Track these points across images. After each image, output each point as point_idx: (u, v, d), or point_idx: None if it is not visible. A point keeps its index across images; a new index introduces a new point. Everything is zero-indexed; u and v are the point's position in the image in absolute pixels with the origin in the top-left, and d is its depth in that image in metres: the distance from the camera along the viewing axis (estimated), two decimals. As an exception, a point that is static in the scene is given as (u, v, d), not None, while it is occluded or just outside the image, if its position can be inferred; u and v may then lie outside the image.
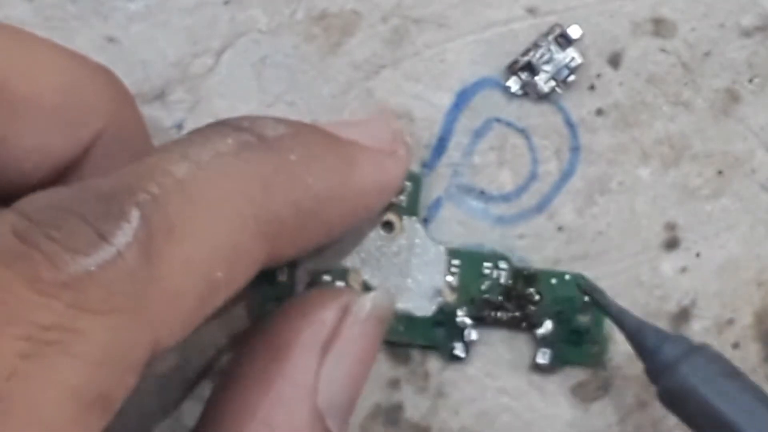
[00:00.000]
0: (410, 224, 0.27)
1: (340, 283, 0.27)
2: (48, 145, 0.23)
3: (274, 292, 0.27)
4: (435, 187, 0.28)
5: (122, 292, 0.18)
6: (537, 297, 0.27)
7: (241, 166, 0.21)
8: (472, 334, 0.27)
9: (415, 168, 0.28)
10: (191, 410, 0.27)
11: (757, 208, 0.28)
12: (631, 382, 0.28)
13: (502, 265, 0.27)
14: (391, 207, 0.27)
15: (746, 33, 0.28)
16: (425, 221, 0.28)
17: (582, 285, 0.27)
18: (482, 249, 0.28)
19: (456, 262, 0.27)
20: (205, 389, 0.27)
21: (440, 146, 0.28)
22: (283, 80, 0.28)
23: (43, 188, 0.23)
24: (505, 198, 0.28)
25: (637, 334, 0.25)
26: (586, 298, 0.27)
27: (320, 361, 0.23)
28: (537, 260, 0.28)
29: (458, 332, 0.27)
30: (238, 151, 0.21)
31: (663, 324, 0.28)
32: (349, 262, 0.27)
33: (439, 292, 0.27)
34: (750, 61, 0.28)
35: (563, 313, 0.27)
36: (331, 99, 0.28)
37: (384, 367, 0.28)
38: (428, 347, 0.27)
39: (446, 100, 0.28)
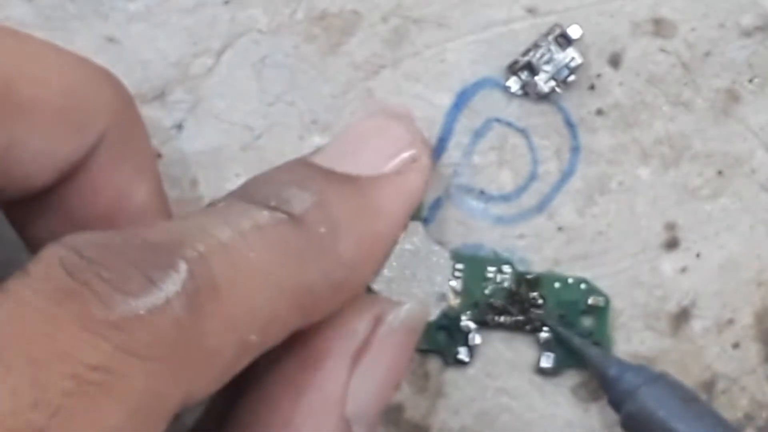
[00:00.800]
0: (414, 228, 0.27)
1: None
2: (52, 147, 0.23)
3: None
4: (435, 187, 0.28)
5: (167, 340, 0.18)
6: (540, 301, 0.27)
7: (278, 239, 0.21)
8: (476, 339, 0.27)
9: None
10: (191, 410, 0.27)
11: (757, 208, 0.28)
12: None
13: (506, 269, 0.27)
14: None
15: (746, 33, 0.28)
16: (425, 221, 0.28)
17: (548, 322, 0.27)
18: (486, 253, 0.28)
19: (460, 266, 0.27)
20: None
21: (440, 146, 0.28)
22: (283, 80, 0.28)
23: (48, 191, 0.23)
24: (505, 198, 0.28)
25: (600, 365, 0.26)
26: (589, 303, 0.27)
27: (350, 372, 0.23)
28: (537, 260, 0.28)
29: (462, 336, 0.27)
30: (275, 225, 0.21)
31: (663, 324, 0.28)
32: None
33: (443, 297, 0.27)
34: (750, 61, 0.28)
35: (566, 317, 0.27)
36: (331, 99, 0.28)
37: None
38: (432, 351, 0.27)
39: (446, 100, 0.28)
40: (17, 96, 0.22)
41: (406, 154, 0.25)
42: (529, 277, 0.27)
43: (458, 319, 0.27)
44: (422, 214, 0.27)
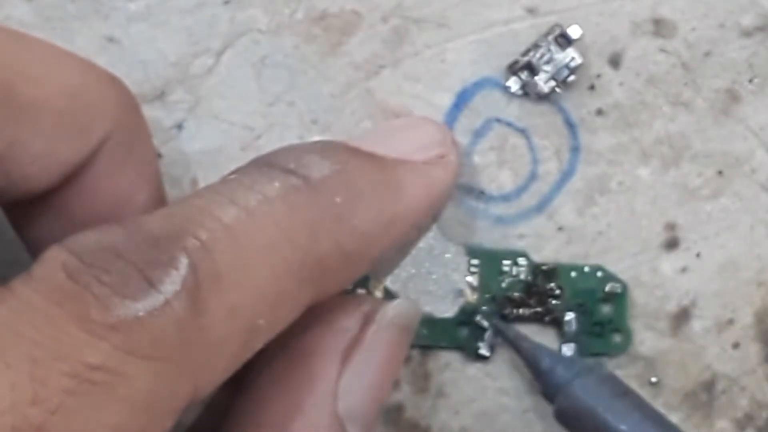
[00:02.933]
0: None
1: (361, 291, 0.27)
2: (55, 150, 0.23)
3: None
4: (435, 187, 0.28)
5: (168, 339, 0.18)
6: (558, 291, 0.27)
7: (288, 212, 0.21)
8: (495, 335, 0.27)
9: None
10: (191, 410, 0.27)
11: (757, 208, 0.28)
12: (630, 382, 0.28)
13: (521, 261, 0.27)
14: None
15: (746, 33, 0.28)
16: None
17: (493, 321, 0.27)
18: (500, 246, 0.28)
19: (475, 261, 0.27)
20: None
21: (440, 146, 0.28)
22: (283, 80, 0.28)
23: (50, 193, 0.23)
24: (505, 198, 0.28)
25: (533, 357, 0.26)
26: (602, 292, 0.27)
27: (341, 370, 0.23)
28: (537, 260, 0.28)
29: (482, 331, 0.27)
30: (285, 195, 0.21)
31: (663, 324, 0.28)
32: (371, 270, 0.27)
33: (460, 293, 0.27)
34: (750, 61, 0.28)
35: (585, 305, 0.27)
36: (331, 99, 0.28)
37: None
38: (453, 348, 0.27)
39: (446, 100, 0.28)
40: (19, 97, 0.22)
41: (435, 149, 0.25)
42: (545, 268, 0.27)
43: (477, 315, 0.27)
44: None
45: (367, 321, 0.24)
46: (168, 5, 0.28)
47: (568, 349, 0.27)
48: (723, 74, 0.28)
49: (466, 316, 0.27)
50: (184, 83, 0.28)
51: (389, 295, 0.27)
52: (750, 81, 0.28)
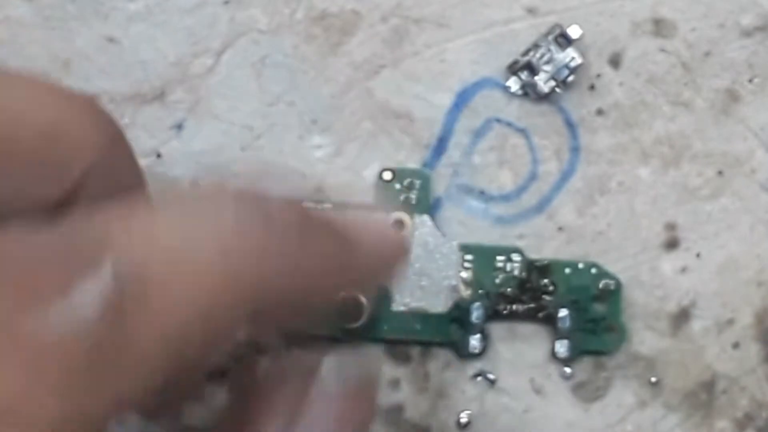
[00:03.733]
0: (421, 222, 0.27)
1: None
2: (29, 189, 0.21)
3: None
4: (435, 187, 0.28)
5: (83, 361, 0.17)
6: (552, 287, 0.27)
7: (236, 238, 0.19)
8: (488, 330, 0.27)
9: (419, 166, 0.28)
10: (191, 410, 0.27)
11: (757, 208, 0.28)
12: (630, 382, 0.28)
13: (516, 257, 0.27)
14: (401, 205, 0.27)
15: (746, 33, 0.28)
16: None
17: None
18: (494, 242, 0.28)
19: (469, 257, 0.27)
20: (205, 389, 0.27)
21: (440, 146, 0.28)
22: (283, 80, 0.28)
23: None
24: (505, 198, 0.28)
25: None
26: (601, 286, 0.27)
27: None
28: (531, 257, 0.28)
29: (474, 328, 0.27)
30: (236, 222, 0.20)
31: (663, 324, 0.28)
32: None
33: (454, 289, 0.27)
34: (750, 61, 0.28)
35: (579, 302, 0.27)
36: (331, 99, 0.28)
37: (384, 367, 0.28)
38: (444, 345, 0.27)
39: (446, 100, 0.28)
40: None
41: (388, 233, 0.24)
42: (538, 264, 0.27)
43: (469, 311, 0.27)
44: (427, 205, 0.27)
45: (310, 383, 0.23)
46: (168, 5, 0.28)
47: (561, 346, 0.27)
48: (723, 74, 0.28)
49: (458, 311, 0.27)
50: (184, 83, 0.28)
51: (381, 290, 0.27)
52: (750, 81, 0.28)
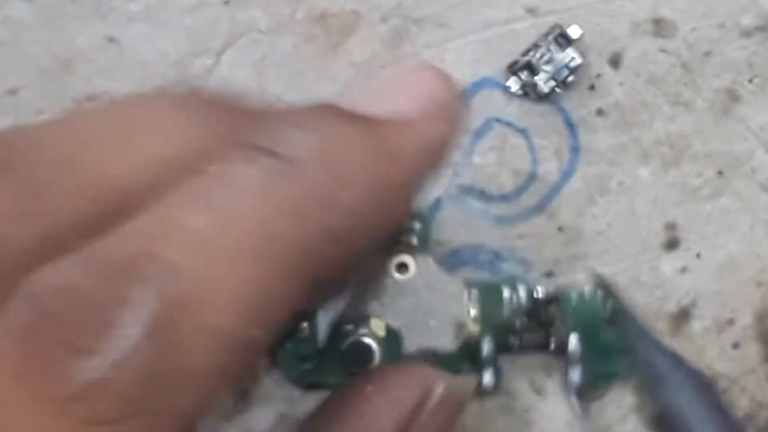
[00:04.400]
0: (425, 262, 0.27)
1: (363, 330, 0.27)
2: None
3: (298, 349, 0.26)
4: (435, 187, 0.28)
5: (139, 393, 0.16)
6: (557, 323, 0.27)
7: (267, 202, 0.19)
8: (499, 363, 0.27)
9: (423, 206, 0.28)
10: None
11: (757, 208, 0.28)
12: (631, 382, 0.28)
13: (521, 288, 0.27)
14: (403, 248, 0.27)
15: (746, 33, 0.28)
16: (427, 219, 0.28)
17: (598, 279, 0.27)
18: (498, 275, 0.28)
19: (475, 292, 0.27)
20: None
21: (440, 146, 0.28)
22: (283, 80, 0.28)
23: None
24: (505, 198, 0.28)
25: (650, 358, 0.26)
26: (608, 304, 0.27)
27: None
28: (537, 260, 0.28)
29: (485, 364, 0.27)
30: (264, 184, 0.19)
31: (663, 324, 0.28)
32: (369, 308, 0.26)
33: (462, 326, 0.27)
34: (750, 61, 0.28)
35: (588, 329, 0.27)
36: (331, 99, 0.28)
37: (384, 367, 0.28)
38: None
39: (446, 100, 0.28)
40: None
41: (433, 99, 0.22)
42: (544, 297, 0.27)
43: (480, 347, 0.27)
44: (429, 246, 0.27)
45: (425, 395, 0.23)
46: (168, 5, 0.28)
47: (573, 372, 0.27)
48: (723, 74, 0.28)
49: (468, 348, 0.27)
50: (184, 83, 0.28)
51: (390, 333, 0.27)
52: (750, 81, 0.28)
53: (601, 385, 0.27)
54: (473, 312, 0.27)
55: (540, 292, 0.27)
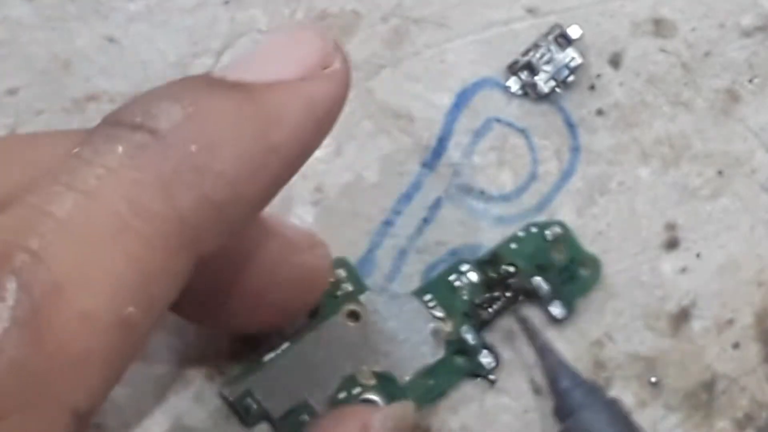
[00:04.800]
0: (370, 300, 0.27)
1: (356, 390, 0.27)
2: None
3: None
4: (435, 187, 0.28)
5: (15, 388, 0.16)
6: (512, 268, 0.27)
7: (135, 178, 0.18)
8: (488, 339, 0.27)
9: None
10: (191, 410, 0.27)
11: (757, 208, 0.28)
12: (630, 382, 0.28)
13: (464, 267, 0.27)
14: (343, 300, 0.27)
15: (746, 33, 0.28)
16: (425, 221, 0.28)
17: (518, 317, 0.27)
18: (439, 268, 0.28)
19: (428, 297, 0.27)
20: (205, 389, 0.27)
21: (440, 146, 0.28)
22: (283, 80, 0.28)
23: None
24: (505, 198, 0.28)
25: (554, 373, 0.27)
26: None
27: None
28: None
29: (477, 349, 0.27)
30: (130, 159, 0.18)
31: (663, 324, 0.28)
32: (349, 369, 0.27)
33: (437, 331, 0.27)
34: (750, 61, 0.28)
35: (543, 265, 0.27)
36: (331, 99, 0.28)
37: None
38: (467, 378, 0.27)
39: (446, 100, 0.28)
40: None
41: (314, 60, 0.21)
42: (487, 259, 0.27)
43: (463, 339, 0.27)
44: (362, 284, 0.27)
45: (365, 430, 0.24)
46: (168, 5, 0.28)
47: (555, 308, 0.27)
48: (723, 74, 0.28)
49: (455, 345, 0.27)
50: (184, 83, 0.28)
51: (380, 377, 0.27)
52: (750, 81, 0.28)
53: (577, 299, 0.28)
54: (438, 313, 0.27)
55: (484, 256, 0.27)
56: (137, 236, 0.18)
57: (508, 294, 0.27)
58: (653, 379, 0.28)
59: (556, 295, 0.27)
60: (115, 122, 0.19)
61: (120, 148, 0.18)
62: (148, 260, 0.18)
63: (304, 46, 0.21)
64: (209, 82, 0.20)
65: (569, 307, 0.27)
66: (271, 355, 0.26)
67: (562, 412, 0.26)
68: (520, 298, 0.27)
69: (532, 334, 0.27)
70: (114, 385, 0.18)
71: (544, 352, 0.27)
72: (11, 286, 0.16)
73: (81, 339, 0.17)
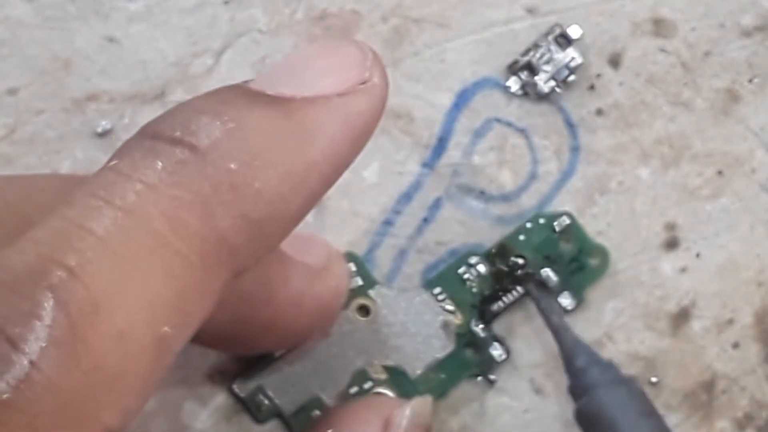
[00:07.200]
0: (380, 294, 0.27)
1: (367, 384, 0.27)
2: None
3: None
4: (435, 187, 0.28)
5: (52, 408, 0.16)
6: (521, 260, 0.27)
7: (174, 195, 0.18)
8: (496, 332, 0.27)
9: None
10: (191, 410, 0.27)
11: (757, 208, 0.28)
12: (631, 382, 0.28)
13: (473, 260, 0.27)
14: (353, 295, 0.27)
15: (746, 33, 0.28)
16: (425, 221, 0.28)
17: (533, 296, 0.27)
18: (449, 261, 0.28)
19: (437, 290, 0.27)
20: (205, 389, 0.27)
21: (440, 146, 0.28)
22: (283, 80, 0.28)
23: None
24: (505, 198, 0.28)
25: (570, 351, 0.26)
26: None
27: None
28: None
29: (487, 341, 0.27)
30: (169, 175, 0.18)
31: (663, 324, 0.28)
32: (359, 363, 0.27)
33: (447, 324, 0.27)
34: (750, 61, 0.28)
35: (551, 256, 0.27)
36: (331, 99, 0.28)
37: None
38: (475, 374, 0.27)
39: (446, 100, 0.28)
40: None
41: (352, 74, 0.21)
42: (494, 251, 0.27)
43: (473, 332, 0.27)
44: (372, 278, 0.27)
45: (387, 426, 0.24)
46: (168, 5, 0.28)
47: (565, 299, 0.27)
48: (723, 74, 0.28)
49: (465, 338, 0.27)
50: (184, 83, 0.28)
51: (391, 371, 0.27)
52: (750, 81, 0.28)
53: (586, 289, 0.28)
54: (448, 306, 0.27)
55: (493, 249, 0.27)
56: (175, 254, 0.17)
57: (518, 288, 0.27)
58: (653, 379, 0.28)
59: (565, 285, 0.27)
60: (153, 135, 0.19)
61: (159, 164, 0.18)
62: (186, 279, 0.17)
63: (343, 59, 0.21)
64: (249, 95, 0.20)
65: (578, 297, 0.27)
66: (282, 351, 0.26)
67: (578, 390, 0.26)
68: (530, 287, 0.27)
69: (547, 312, 0.27)
70: (146, 403, 0.17)
71: (559, 329, 0.26)
72: (48, 304, 0.16)
73: (117, 358, 0.16)
